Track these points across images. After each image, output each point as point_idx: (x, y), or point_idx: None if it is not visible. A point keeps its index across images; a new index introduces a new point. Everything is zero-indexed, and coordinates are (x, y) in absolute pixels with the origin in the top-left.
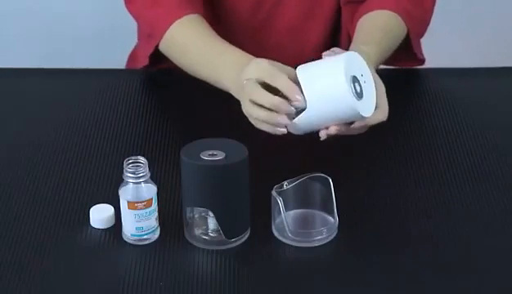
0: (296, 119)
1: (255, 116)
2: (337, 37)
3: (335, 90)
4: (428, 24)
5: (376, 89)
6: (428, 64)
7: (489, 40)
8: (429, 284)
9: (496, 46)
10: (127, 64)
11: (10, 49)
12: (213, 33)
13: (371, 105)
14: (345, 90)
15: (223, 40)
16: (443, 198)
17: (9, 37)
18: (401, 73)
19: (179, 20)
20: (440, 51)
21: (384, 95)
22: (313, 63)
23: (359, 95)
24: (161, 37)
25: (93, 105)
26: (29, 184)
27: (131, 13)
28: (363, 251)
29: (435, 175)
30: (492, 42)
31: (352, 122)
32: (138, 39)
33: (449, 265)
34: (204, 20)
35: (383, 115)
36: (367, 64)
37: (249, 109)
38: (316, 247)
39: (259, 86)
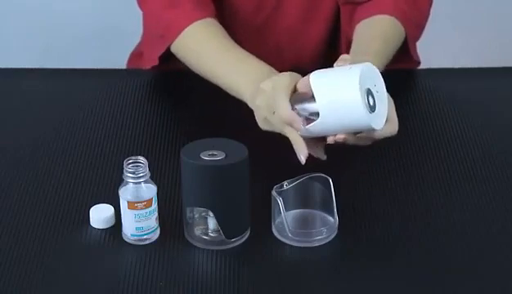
0: (307, 127)
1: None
2: (336, 38)
3: (349, 104)
4: (424, 27)
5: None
6: (428, 64)
7: (489, 40)
8: (429, 284)
9: (496, 46)
10: (128, 64)
11: (10, 49)
12: (230, 38)
13: (383, 117)
14: (359, 105)
15: (240, 47)
16: (443, 198)
17: (9, 36)
18: (401, 73)
19: (195, 23)
20: (440, 51)
21: (394, 109)
22: (327, 71)
23: (372, 109)
24: (174, 39)
25: (93, 105)
26: (29, 184)
27: (144, 12)
28: (363, 251)
29: (435, 175)
30: (492, 42)
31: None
32: (144, 39)
33: (449, 264)
34: (220, 25)
35: (392, 128)
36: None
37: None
38: (316, 247)
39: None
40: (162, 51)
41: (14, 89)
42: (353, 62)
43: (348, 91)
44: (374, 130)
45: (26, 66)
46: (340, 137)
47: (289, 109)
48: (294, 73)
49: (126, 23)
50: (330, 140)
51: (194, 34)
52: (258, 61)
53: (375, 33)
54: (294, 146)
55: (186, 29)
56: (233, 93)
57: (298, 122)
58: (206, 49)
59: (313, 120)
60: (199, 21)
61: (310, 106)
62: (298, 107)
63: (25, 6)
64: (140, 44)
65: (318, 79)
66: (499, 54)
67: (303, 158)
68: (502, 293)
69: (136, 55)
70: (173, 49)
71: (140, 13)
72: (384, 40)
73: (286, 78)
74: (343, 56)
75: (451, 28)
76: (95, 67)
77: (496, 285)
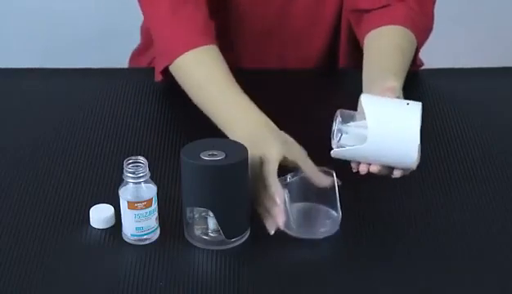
0: (344, 150)
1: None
2: (337, 43)
3: (405, 145)
4: (431, 30)
5: None
6: (428, 64)
7: (489, 40)
8: (429, 284)
9: (496, 46)
10: (128, 65)
11: (10, 49)
12: (228, 71)
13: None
14: (414, 149)
15: (236, 83)
16: (443, 198)
17: (9, 37)
18: None
19: (196, 50)
20: (440, 51)
21: None
22: (381, 101)
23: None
24: (172, 61)
25: (93, 105)
26: (29, 184)
27: (147, 16)
28: (363, 251)
29: (435, 175)
30: (492, 42)
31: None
32: (142, 40)
33: (449, 264)
34: (220, 54)
35: (416, 164)
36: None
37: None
38: (317, 245)
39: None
40: (161, 68)
41: (14, 89)
42: (374, 77)
43: (408, 130)
44: (411, 169)
45: (26, 66)
46: (375, 169)
47: (281, 189)
48: (286, 147)
49: (126, 23)
50: (362, 169)
51: (192, 62)
52: (253, 110)
53: (392, 45)
54: (273, 210)
55: (185, 54)
56: (224, 131)
57: (282, 197)
58: (202, 82)
59: (340, 140)
60: (199, 48)
61: (350, 128)
62: (337, 126)
63: (26, 7)
64: (142, 43)
65: (372, 107)
66: (499, 54)
67: (280, 221)
68: (502, 293)
69: (138, 54)
70: (171, 69)
71: (140, 13)
72: (402, 54)
73: (275, 162)
74: (392, 86)
75: (452, 28)
76: (95, 67)
77: (496, 285)
